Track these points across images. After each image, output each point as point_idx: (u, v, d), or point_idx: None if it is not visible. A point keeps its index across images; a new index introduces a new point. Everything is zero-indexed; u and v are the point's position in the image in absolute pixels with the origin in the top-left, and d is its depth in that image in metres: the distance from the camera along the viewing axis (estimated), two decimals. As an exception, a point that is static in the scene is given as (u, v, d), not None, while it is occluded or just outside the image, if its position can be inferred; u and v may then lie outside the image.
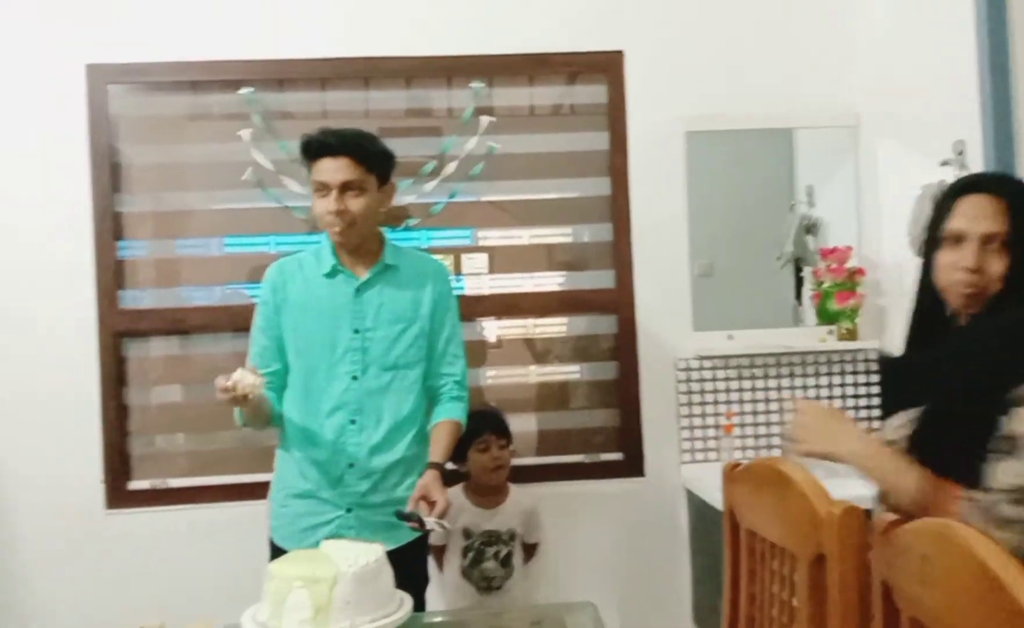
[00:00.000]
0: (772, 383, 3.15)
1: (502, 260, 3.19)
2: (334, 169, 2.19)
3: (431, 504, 2.10)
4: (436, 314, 2.32)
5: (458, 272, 3.18)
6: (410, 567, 2.22)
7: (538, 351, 3.23)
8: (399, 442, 2.26)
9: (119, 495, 2.97)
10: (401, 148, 3.09)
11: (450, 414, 2.32)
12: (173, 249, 3.09)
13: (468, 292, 3.15)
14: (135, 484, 3.00)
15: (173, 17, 3.00)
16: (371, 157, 2.23)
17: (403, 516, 2.12)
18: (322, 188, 2.20)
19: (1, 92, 2.95)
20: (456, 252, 3.17)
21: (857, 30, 3.16)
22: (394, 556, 2.11)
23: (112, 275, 2.96)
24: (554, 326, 3.23)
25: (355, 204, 2.20)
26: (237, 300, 3.05)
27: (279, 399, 2.29)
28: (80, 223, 2.96)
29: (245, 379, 2.04)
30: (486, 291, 3.16)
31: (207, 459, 3.05)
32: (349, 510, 2.24)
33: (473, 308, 3.13)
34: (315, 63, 3.04)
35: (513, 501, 2.86)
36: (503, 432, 2.86)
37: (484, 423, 2.83)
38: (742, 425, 3.13)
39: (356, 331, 2.24)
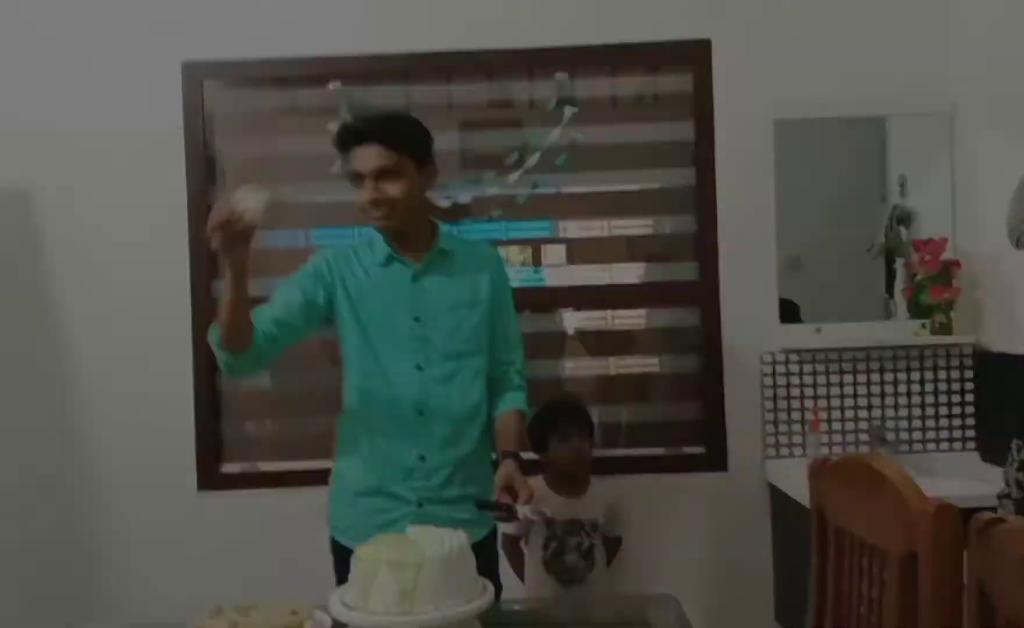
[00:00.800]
0: (861, 378, 3.10)
1: (582, 251, 3.21)
2: (365, 157, 2.11)
3: (514, 494, 2.07)
4: (495, 301, 2.28)
5: (537, 264, 3.21)
6: (485, 562, 2.16)
7: (619, 343, 3.23)
8: (470, 433, 2.23)
9: (211, 478, 3.09)
10: (484, 141, 3.19)
11: (516, 403, 2.29)
12: (265, 241, 3.18)
13: (548, 283, 3.17)
14: (227, 468, 3.12)
15: (264, 14, 3.09)
16: (403, 139, 2.13)
17: (487, 505, 2.08)
18: (357, 178, 2.13)
19: (101, 89, 3.09)
20: (535, 244, 3.20)
21: (954, 12, 3.07)
22: None
23: (206, 267, 3.07)
24: (634, 318, 3.23)
25: (392, 189, 2.11)
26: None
27: (270, 351, 2.13)
28: (176, 216, 3.08)
29: (249, 198, 1.80)
30: (566, 282, 3.19)
31: (295, 444, 3.14)
32: (420, 505, 2.19)
33: (553, 299, 3.15)
34: (399, 58, 3.09)
35: (595, 492, 2.86)
36: (585, 424, 2.87)
37: (566, 414, 2.85)
38: (829, 420, 3.09)
39: (416, 319, 2.19)
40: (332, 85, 3.09)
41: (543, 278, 3.18)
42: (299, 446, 3.13)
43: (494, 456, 2.24)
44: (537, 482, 2.72)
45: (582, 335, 3.25)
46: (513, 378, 2.31)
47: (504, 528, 2.57)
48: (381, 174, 2.10)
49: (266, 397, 3.18)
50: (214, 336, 2.06)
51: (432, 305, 2.21)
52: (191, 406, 3.08)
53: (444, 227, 2.30)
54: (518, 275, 3.16)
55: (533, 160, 3.12)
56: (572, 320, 3.25)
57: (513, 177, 3.14)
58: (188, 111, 3.08)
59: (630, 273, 3.23)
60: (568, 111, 3.11)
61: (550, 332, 3.23)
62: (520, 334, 2.36)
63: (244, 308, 2.00)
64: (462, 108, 3.16)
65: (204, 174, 3.09)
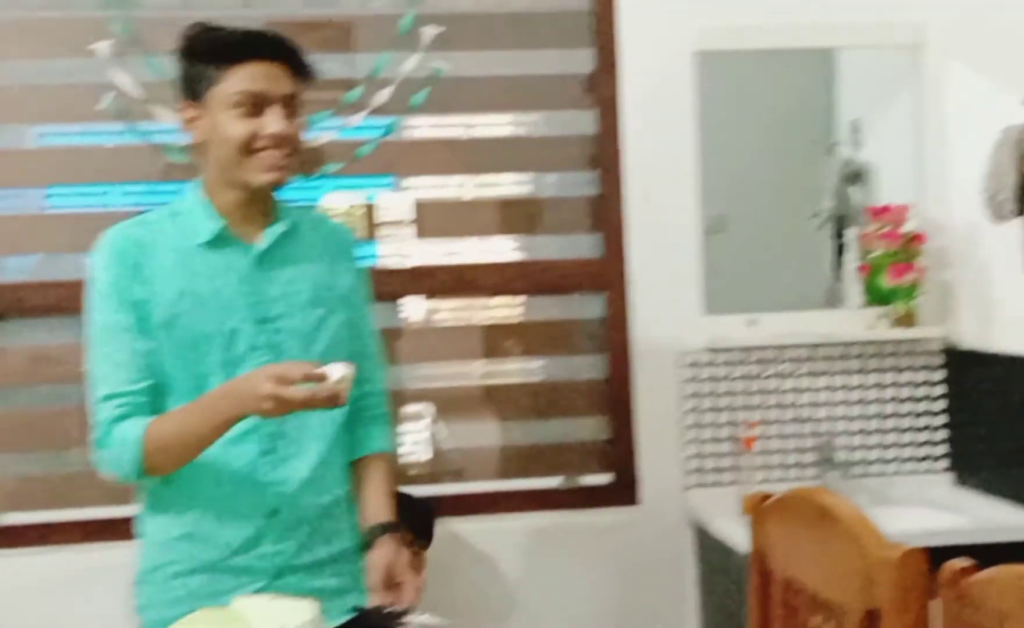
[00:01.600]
0: (805, 382, 3.29)
1: (437, 218, 3.30)
2: (272, 76, 2.11)
3: (397, 591, 2.12)
4: (355, 297, 2.32)
5: (370, 236, 3.26)
6: None
7: (492, 341, 3.34)
8: (333, 473, 2.24)
9: (-64, 536, 3.03)
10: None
11: (381, 445, 2.34)
12: (11, 203, 3.17)
13: (386, 263, 3.25)
14: (-42, 521, 3.07)
15: None
16: (307, 67, 2.17)
17: (366, 615, 2.07)
18: (255, 102, 2.10)
19: None
20: (368, 208, 3.27)
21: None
22: None
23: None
24: (512, 307, 3.34)
25: (295, 127, 2.14)
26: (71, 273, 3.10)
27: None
28: None
29: (350, 377, 1.99)
30: (413, 262, 3.27)
31: (55, 487, 3.13)
32: (277, 577, 2.17)
33: (392, 283, 3.21)
34: None
35: None
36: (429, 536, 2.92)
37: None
38: (766, 437, 3.27)
39: (262, 321, 2.18)
40: (97, -10, 3.07)
41: (374, 255, 3.24)
42: (60, 489, 3.13)
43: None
44: None
45: (434, 332, 3.33)
46: (373, 405, 2.35)
47: None
48: (286, 103, 2.11)
49: (12, 423, 3.16)
50: (134, 455, 2.05)
51: (283, 302, 2.19)
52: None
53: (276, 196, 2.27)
54: None
55: (384, 96, 3.17)
56: (420, 311, 3.32)
57: (355, 118, 3.18)
58: None
59: (504, 249, 3.33)
60: (428, 32, 3.18)
61: (389, 329, 3.26)
62: (380, 342, 2.41)
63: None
64: (271, 22, 3.19)
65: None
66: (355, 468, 2.30)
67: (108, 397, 2.07)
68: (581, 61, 3.27)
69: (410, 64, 3.18)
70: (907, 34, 3.30)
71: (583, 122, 3.28)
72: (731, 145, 3.31)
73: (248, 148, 2.11)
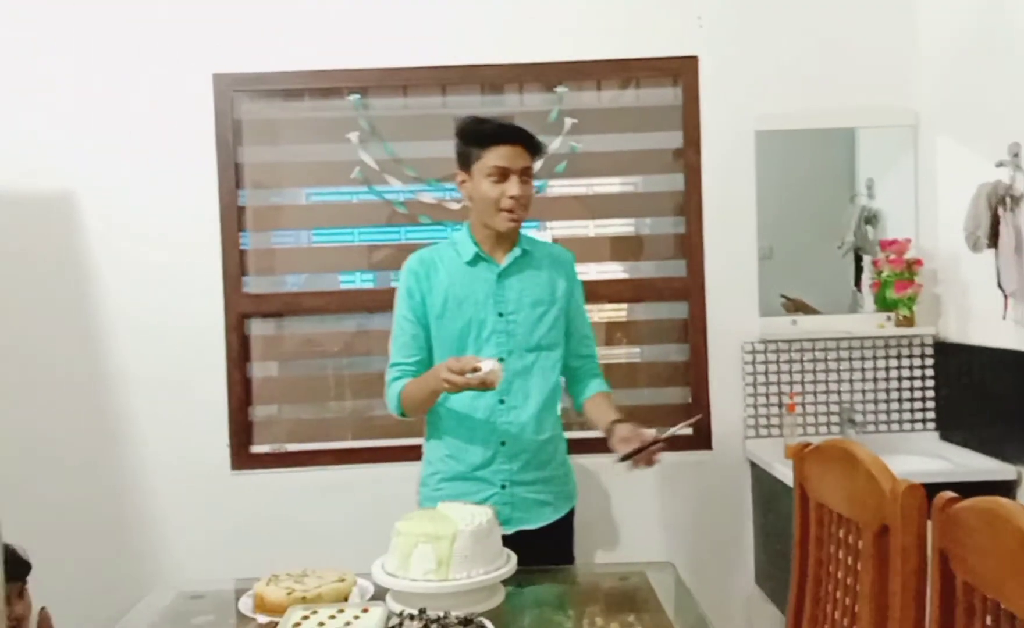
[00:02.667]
0: (832, 365, 3.27)
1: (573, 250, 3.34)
2: (515, 155, 2.22)
3: (642, 442, 2.14)
4: (571, 299, 2.40)
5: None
6: (560, 540, 2.38)
7: (607, 334, 3.38)
8: (547, 420, 2.33)
9: (243, 458, 3.23)
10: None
11: (603, 387, 2.43)
12: (289, 240, 3.34)
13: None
14: (256, 448, 3.26)
15: (286, 32, 3.20)
16: (538, 147, 2.29)
17: (629, 456, 2.11)
18: (500, 174, 2.22)
19: (139, 99, 3.19)
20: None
21: (917, 33, 3.23)
22: (542, 534, 2.29)
23: (236, 263, 3.21)
24: (619, 311, 3.37)
25: (529, 189, 2.26)
26: (348, 286, 3.31)
27: None
28: (208, 217, 3.20)
29: (497, 371, 2.06)
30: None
31: (320, 426, 3.28)
32: (503, 487, 2.30)
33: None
34: (434, 70, 3.21)
35: None
36: None
37: None
38: (803, 404, 3.26)
39: (500, 314, 2.29)
40: (349, 96, 3.22)
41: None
42: (321, 428, 3.28)
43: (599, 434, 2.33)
44: None
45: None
46: (591, 366, 2.47)
47: None
48: (523, 173, 2.24)
49: (293, 383, 3.31)
50: (396, 404, 2.32)
51: (515, 301, 2.31)
52: (224, 393, 3.21)
53: (522, 230, 2.39)
54: None
55: (536, 166, 3.24)
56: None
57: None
58: (219, 120, 3.19)
59: (615, 270, 3.36)
60: (568, 121, 3.25)
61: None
62: (592, 329, 2.52)
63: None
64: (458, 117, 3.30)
65: (233, 177, 3.20)
66: (588, 404, 2.41)
67: (393, 365, 2.33)
68: (672, 139, 3.29)
69: (554, 144, 3.25)
70: (907, 117, 3.25)
71: (674, 182, 3.31)
72: (778, 196, 3.29)
73: (497, 205, 2.24)
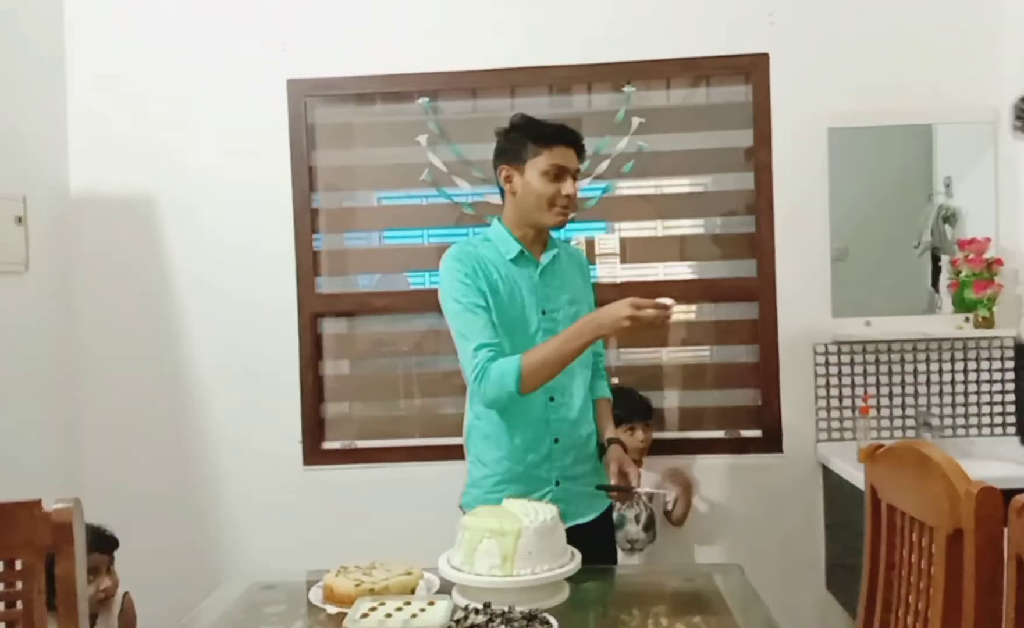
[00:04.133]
0: (908, 367, 3.19)
1: (636, 250, 3.33)
2: (571, 156, 2.28)
3: (626, 477, 2.26)
4: (590, 295, 2.45)
5: (591, 262, 3.32)
6: (604, 536, 2.40)
7: (679, 334, 3.35)
8: (589, 414, 2.38)
9: (315, 454, 3.30)
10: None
11: (606, 392, 2.50)
12: (361, 241, 3.41)
13: (601, 280, 3.28)
14: (328, 444, 3.33)
15: (357, 37, 3.27)
16: (584, 152, 2.35)
17: (607, 488, 2.26)
18: (559, 173, 2.26)
19: (217, 104, 3.30)
20: (589, 243, 3.36)
21: (998, 26, 3.13)
22: (588, 528, 2.30)
23: (309, 264, 3.29)
24: (691, 312, 3.35)
25: (577, 191, 2.33)
26: (418, 286, 3.35)
27: None
28: (282, 219, 3.29)
29: (672, 304, 2.10)
30: (619, 279, 3.32)
31: (389, 424, 3.34)
32: (557, 483, 2.32)
33: (606, 295, 3.23)
34: (502, 73, 3.24)
35: (648, 465, 3.08)
36: (649, 417, 3.07)
37: (633, 408, 3.05)
38: (878, 407, 3.18)
39: (543, 312, 2.32)
40: (419, 100, 3.27)
41: (595, 275, 3.31)
42: (390, 425, 3.34)
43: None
44: None
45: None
46: (600, 366, 2.51)
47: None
48: (575, 174, 2.30)
49: (364, 381, 3.38)
50: (515, 377, 2.15)
51: (555, 298, 2.34)
52: (297, 391, 3.29)
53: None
54: None
55: (603, 167, 3.26)
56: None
57: (584, 183, 3.28)
58: (293, 124, 3.28)
59: (682, 271, 3.33)
60: (635, 121, 3.24)
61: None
62: None
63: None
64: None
65: (307, 181, 3.29)
66: (596, 406, 2.45)
67: (481, 346, 2.20)
68: (743, 138, 3.25)
69: (621, 144, 3.25)
70: (988, 113, 3.14)
71: (744, 181, 3.27)
72: (853, 194, 3.22)
73: (551, 202, 2.27)
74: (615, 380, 3.30)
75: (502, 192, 2.37)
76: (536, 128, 2.29)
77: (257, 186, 3.29)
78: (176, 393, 3.31)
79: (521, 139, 2.29)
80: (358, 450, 3.32)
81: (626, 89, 3.25)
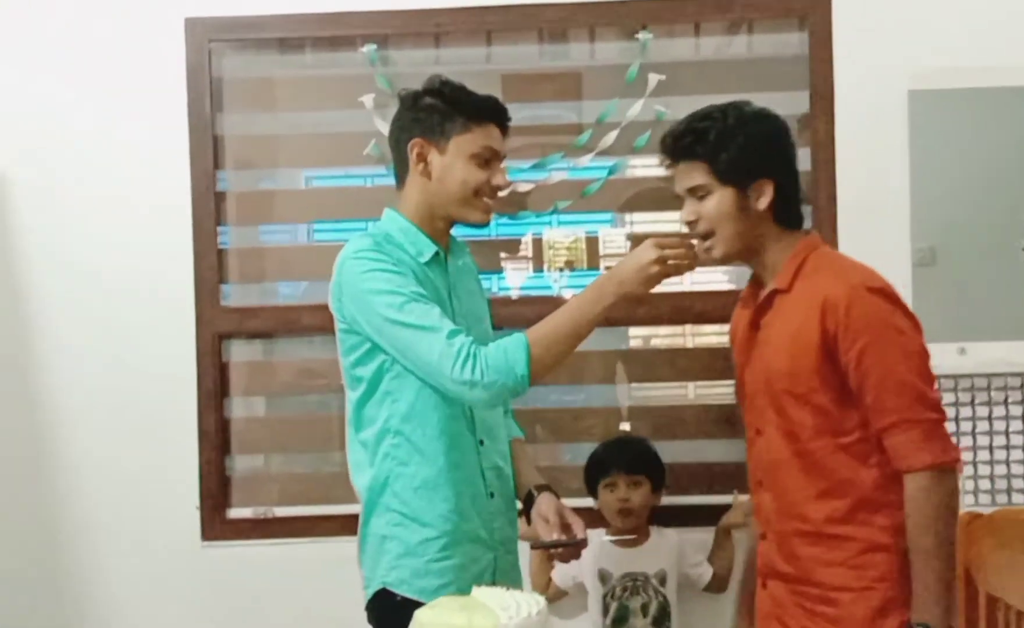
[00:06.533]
0: (1016, 410, 3.21)
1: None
2: (501, 141, 2.39)
3: (568, 527, 2.31)
4: (489, 316, 2.55)
5: (594, 267, 3.37)
6: None
7: (710, 364, 3.37)
8: (510, 462, 2.48)
9: (217, 525, 3.28)
10: (543, 115, 3.35)
11: (517, 431, 2.64)
12: (283, 236, 3.42)
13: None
14: (235, 512, 3.31)
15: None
16: (507, 133, 2.44)
17: (544, 546, 2.32)
18: (490, 156, 2.36)
19: (85, 53, 3.28)
20: (590, 241, 3.39)
21: None
22: None
23: (212, 267, 3.28)
24: (725, 333, 3.35)
25: (507, 182, 2.46)
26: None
27: None
28: (176, 207, 3.28)
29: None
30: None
31: (319, 484, 3.33)
32: (497, 550, 2.40)
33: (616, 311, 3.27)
34: (475, 11, 3.26)
35: (659, 538, 3.10)
36: (636, 468, 3.07)
37: (613, 457, 3.08)
38: (974, 462, 3.19)
39: (454, 316, 2.36)
40: (364, 48, 3.27)
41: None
42: (320, 487, 3.32)
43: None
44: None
45: (649, 355, 3.45)
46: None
47: (558, 579, 3.00)
48: (501, 160, 2.42)
49: (286, 426, 3.40)
50: (524, 359, 2.20)
51: (465, 314, 2.41)
52: (194, 439, 3.27)
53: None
54: (562, 280, 3.37)
55: (609, 139, 3.27)
56: (637, 336, 3.42)
57: (583, 160, 3.29)
58: (192, 79, 3.27)
59: (715, 279, 3.35)
60: (653, 79, 3.26)
61: (607, 351, 3.39)
62: None
63: None
64: (512, 76, 3.36)
65: (210, 155, 3.28)
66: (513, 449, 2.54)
67: (455, 332, 2.22)
68: (797, 102, 3.27)
69: (634, 110, 3.26)
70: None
71: (799, 160, 3.28)
72: (942, 179, 3.24)
73: (478, 192, 2.35)
74: (624, 426, 3.31)
75: (398, 173, 2.43)
76: (468, 98, 2.37)
77: (142, 162, 3.28)
78: (29, 443, 3.28)
79: (446, 109, 2.35)
80: (276, 520, 3.30)
81: (641, 36, 3.27)
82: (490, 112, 2.37)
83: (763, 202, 2.22)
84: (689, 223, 2.25)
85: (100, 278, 3.28)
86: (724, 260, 2.30)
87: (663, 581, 3.03)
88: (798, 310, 2.19)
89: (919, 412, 2.10)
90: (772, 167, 2.26)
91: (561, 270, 3.43)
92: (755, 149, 2.23)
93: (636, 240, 3.30)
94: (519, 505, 2.49)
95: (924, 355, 2.18)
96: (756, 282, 2.36)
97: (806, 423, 2.18)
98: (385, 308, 2.25)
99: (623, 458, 3.09)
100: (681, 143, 2.26)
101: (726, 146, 2.20)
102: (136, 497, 3.27)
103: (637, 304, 3.19)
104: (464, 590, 2.15)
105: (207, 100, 3.28)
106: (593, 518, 2.98)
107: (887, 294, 2.18)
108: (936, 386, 2.20)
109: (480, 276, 2.63)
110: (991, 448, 3.21)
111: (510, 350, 2.20)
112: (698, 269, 2.44)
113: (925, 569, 2.01)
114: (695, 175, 2.24)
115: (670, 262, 2.16)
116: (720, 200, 2.22)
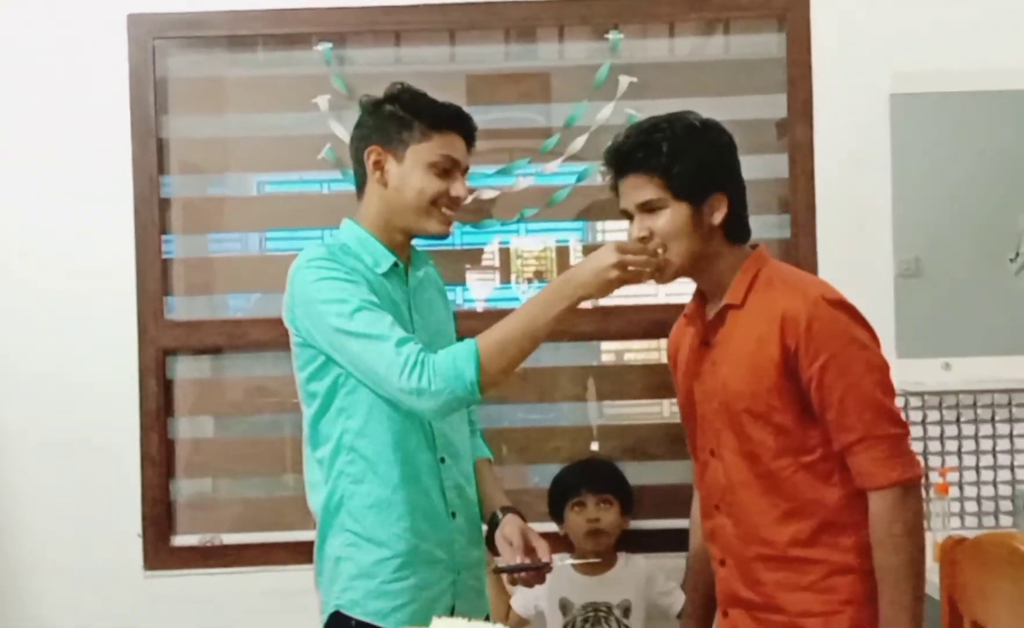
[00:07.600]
0: (1003, 428, 3.24)
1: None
2: (463, 149, 2.41)
3: (532, 551, 2.32)
4: (454, 329, 2.56)
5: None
6: None
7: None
8: (472, 481, 2.48)
9: (161, 554, 3.27)
10: (509, 118, 3.37)
11: (484, 450, 2.64)
12: (233, 245, 3.40)
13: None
14: (180, 540, 3.30)
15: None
16: (473, 144, 2.46)
17: (510, 570, 2.32)
18: (450, 166, 2.37)
19: (19, 48, 3.27)
20: (560, 251, 3.41)
21: None
22: None
23: (157, 278, 3.26)
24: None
25: (467, 192, 2.46)
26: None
27: None
28: (118, 214, 3.26)
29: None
30: (603, 302, 3.27)
31: (271, 509, 3.32)
32: (459, 572, 2.40)
33: (582, 324, 3.24)
34: (438, 8, 3.28)
35: (625, 565, 3.11)
36: (606, 488, 3.09)
37: (581, 476, 3.11)
38: (960, 483, 3.22)
39: (413, 328, 2.38)
40: (319, 46, 3.27)
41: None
42: (272, 512, 3.31)
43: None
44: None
45: (622, 371, 3.46)
46: (474, 419, 2.61)
47: (518, 607, 3.05)
48: (464, 172, 2.44)
49: (236, 448, 3.38)
50: (474, 365, 2.19)
51: (425, 329, 2.41)
52: (136, 461, 3.25)
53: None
54: (530, 292, 3.36)
55: (578, 144, 3.29)
56: (609, 351, 3.44)
57: (551, 165, 3.30)
58: (135, 77, 3.26)
59: (689, 291, 3.35)
60: (624, 81, 3.27)
61: (587, 367, 3.41)
62: None
63: None
64: (476, 77, 3.38)
65: (154, 158, 3.26)
66: (478, 471, 2.55)
67: (405, 340, 2.22)
68: (774, 106, 3.30)
69: (605, 113, 3.28)
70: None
71: (776, 166, 3.31)
72: (927, 187, 3.27)
73: (436, 203, 2.36)
74: (593, 446, 3.33)
75: (358, 182, 2.44)
76: (427, 105, 2.39)
77: (82, 166, 3.26)
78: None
79: (404, 117, 2.37)
80: (224, 548, 3.29)
81: (611, 35, 3.29)
82: (451, 120, 2.39)
83: (717, 217, 2.22)
84: (640, 240, 2.24)
85: (36, 290, 3.25)
86: (673, 277, 2.29)
87: (626, 612, 3.03)
88: (755, 326, 2.19)
89: (883, 427, 2.11)
90: (725, 181, 2.26)
91: (530, 281, 3.44)
92: (710, 163, 2.22)
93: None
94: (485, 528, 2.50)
95: (885, 369, 2.19)
96: (701, 297, 2.36)
97: (767, 443, 2.18)
98: (335, 317, 2.25)
99: (592, 477, 3.11)
100: (632, 156, 2.24)
101: (680, 160, 2.18)
102: (74, 524, 3.24)
103: (607, 317, 3.25)
104: (421, 613, 2.21)
105: (151, 101, 3.27)
106: (559, 544, 3.02)
107: (846, 306, 2.19)
108: (896, 401, 2.21)
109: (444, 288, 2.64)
110: (977, 468, 3.24)
111: (459, 357, 2.20)
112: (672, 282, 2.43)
113: (894, 589, 2.03)
114: (646, 190, 2.21)
115: (630, 268, 2.15)
116: (674, 216, 2.20)
